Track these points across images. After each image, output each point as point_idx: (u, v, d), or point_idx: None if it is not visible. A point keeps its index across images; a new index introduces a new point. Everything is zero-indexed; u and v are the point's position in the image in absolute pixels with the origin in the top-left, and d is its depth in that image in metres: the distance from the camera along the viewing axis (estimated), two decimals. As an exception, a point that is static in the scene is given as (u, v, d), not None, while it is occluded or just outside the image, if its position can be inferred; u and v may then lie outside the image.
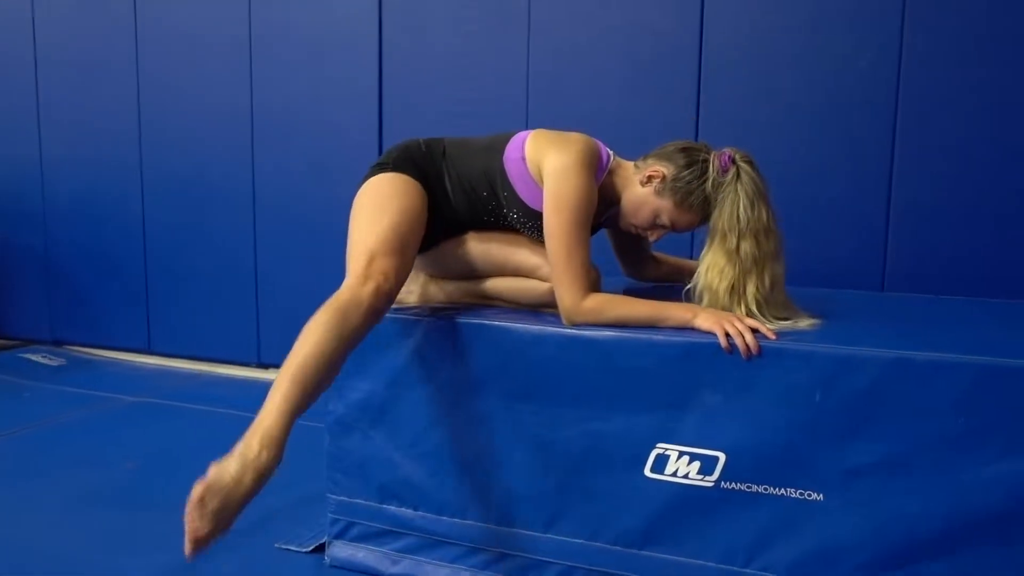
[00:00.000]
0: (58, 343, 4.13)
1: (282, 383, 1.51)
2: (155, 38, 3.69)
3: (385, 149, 1.98)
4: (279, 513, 2.20)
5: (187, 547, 1.34)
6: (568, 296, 1.70)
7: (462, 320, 1.79)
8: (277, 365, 3.49)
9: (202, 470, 2.55)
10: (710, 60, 2.84)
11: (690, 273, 2.05)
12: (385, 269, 1.67)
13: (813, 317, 1.72)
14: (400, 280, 1.71)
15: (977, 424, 1.45)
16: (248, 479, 1.38)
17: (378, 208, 1.78)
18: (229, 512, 1.37)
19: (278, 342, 3.60)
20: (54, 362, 3.90)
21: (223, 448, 2.50)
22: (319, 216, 3.45)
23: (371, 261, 1.67)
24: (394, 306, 1.83)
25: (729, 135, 2.10)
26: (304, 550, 2.01)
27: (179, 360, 3.88)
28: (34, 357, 3.95)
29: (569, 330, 1.70)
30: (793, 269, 1.81)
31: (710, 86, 2.85)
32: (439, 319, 1.81)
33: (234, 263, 3.65)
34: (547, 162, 1.77)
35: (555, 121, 2.10)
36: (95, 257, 3.95)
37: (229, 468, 1.38)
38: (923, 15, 2.60)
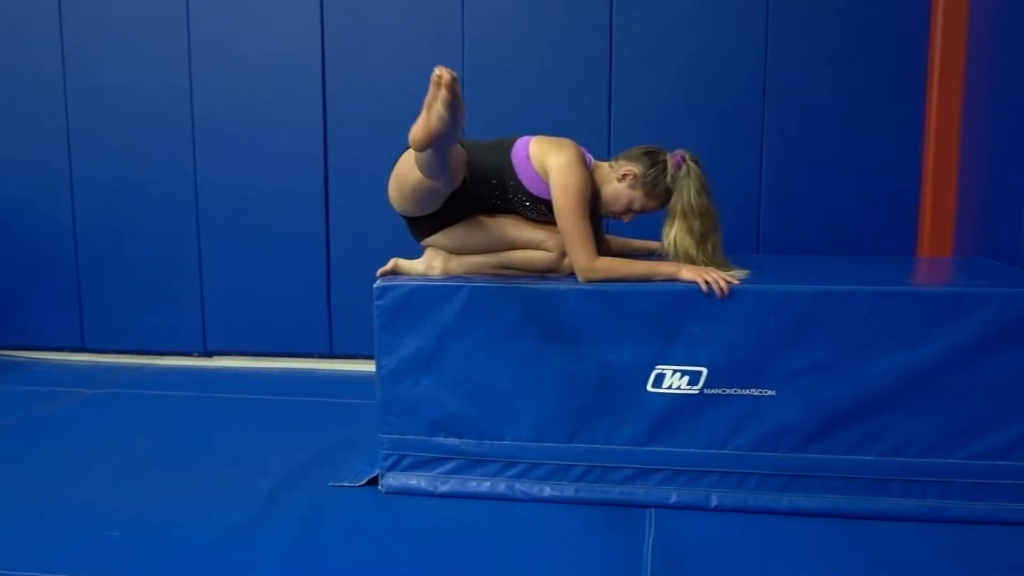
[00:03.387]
0: (-31, 348, 4.12)
1: None
2: (83, 44, 3.80)
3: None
4: (313, 464, 2.59)
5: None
6: (583, 259, 2.24)
7: (496, 284, 2.29)
8: (239, 353, 3.78)
9: (202, 440, 3.14)
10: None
11: (632, 249, 2.68)
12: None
13: (745, 269, 2.35)
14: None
15: (877, 331, 2.14)
16: None
17: None
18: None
19: (223, 331, 3.89)
20: (-22, 365, 3.92)
21: (211, 424, 3.43)
22: (262, 212, 3.76)
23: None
24: (423, 280, 2.35)
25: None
26: (358, 484, 2.42)
27: (113, 355, 4.01)
28: (-48, 362, 3.94)
29: (585, 286, 2.24)
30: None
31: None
32: (476, 285, 2.29)
33: (176, 259, 3.85)
34: (551, 160, 2.29)
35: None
36: (17, 260, 3.99)
37: None
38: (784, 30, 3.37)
